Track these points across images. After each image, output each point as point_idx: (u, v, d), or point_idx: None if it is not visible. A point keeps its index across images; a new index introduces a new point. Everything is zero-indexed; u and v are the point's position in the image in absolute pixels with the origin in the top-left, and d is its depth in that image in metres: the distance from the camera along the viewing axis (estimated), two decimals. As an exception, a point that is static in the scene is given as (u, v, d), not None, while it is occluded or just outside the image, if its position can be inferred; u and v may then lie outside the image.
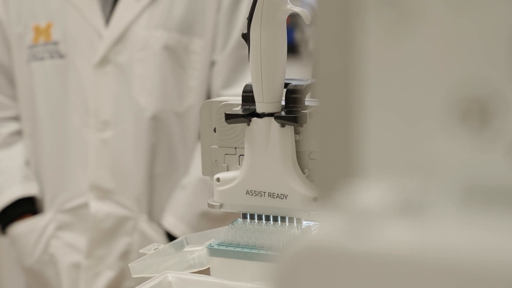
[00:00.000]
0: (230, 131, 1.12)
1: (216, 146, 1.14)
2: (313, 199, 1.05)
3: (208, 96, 1.94)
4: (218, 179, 1.11)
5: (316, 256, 0.50)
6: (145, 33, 1.89)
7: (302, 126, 1.06)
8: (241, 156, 1.12)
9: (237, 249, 1.06)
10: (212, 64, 1.93)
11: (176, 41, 1.89)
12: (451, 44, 0.51)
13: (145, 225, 1.93)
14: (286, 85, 1.08)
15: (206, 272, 1.06)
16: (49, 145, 1.98)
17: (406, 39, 0.52)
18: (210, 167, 1.15)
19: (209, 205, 1.12)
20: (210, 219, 1.92)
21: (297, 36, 2.74)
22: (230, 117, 1.08)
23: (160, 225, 1.95)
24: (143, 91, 1.89)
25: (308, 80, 1.09)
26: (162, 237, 1.94)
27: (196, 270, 1.05)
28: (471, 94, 0.51)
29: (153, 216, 1.96)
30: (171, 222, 1.93)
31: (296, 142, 1.08)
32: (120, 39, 1.90)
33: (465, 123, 0.51)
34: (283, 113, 1.06)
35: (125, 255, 1.96)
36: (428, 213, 0.49)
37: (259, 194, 1.08)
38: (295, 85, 1.07)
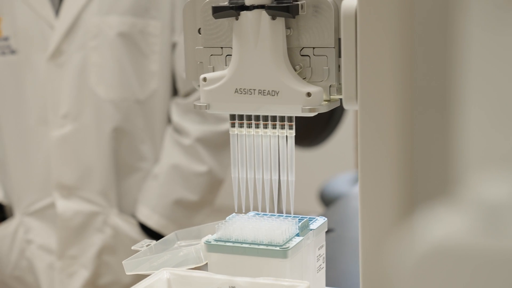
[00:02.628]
0: (216, 29, 1.07)
1: (201, 47, 1.08)
2: (307, 94, 1.01)
3: (173, 80, 1.88)
4: (204, 79, 1.05)
5: (446, 256, 0.48)
6: (97, 20, 1.81)
7: (294, 17, 1.01)
8: (228, 56, 1.07)
9: (235, 244, 1.02)
10: (174, 46, 1.86)
11: (131, 25, 1.81)
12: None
13: (116, 219, 1.87)
14: (275, -23, 1.03)
15: (203, 268, 1.03)
16: (9, 145, 1.89)
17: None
18: (195, 70, 1.10)
19: (195, 107, 1.06)
20: (184, 207, 1.87)
21: None
22: (218, 10, 1.02)
23: (132, 217, 1.89)
24: (101, 81, 1.82)
25: (298, -29, 1.04)
26: (136, 230, 1.88)
27: (193, 266, 1.03)
28: None
29: (124, 208, 1.89)
30: (145, 214, 1.87)
31: (288, 37, 1.03)
32: (71, 29, 1.82)
33: None
34: (272, 5, 1.01)
35: (99, 252, 1.89)
36: None
37: (249, 92, 1.03)
38: (286, -24, 1.02)
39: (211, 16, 1.05)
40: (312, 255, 1.06)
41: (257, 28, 1.01)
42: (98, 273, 1.90)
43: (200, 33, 1.09)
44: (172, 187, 1.86)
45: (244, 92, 1.03)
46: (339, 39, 1.02)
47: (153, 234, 1.87)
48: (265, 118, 1.05)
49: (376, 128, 0.90)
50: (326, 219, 1.09)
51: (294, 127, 1.04)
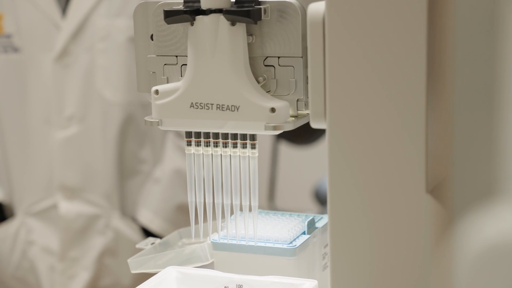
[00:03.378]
0: (170, 36, 0.95)
1: (154, 56, 0.97)
2: (270, 110, 0.89)
3: None
4: (156, 92, 0.94)
5: (503, 253, 0.48)
6: (105, 22, 1.79)
7: (256, 23, 0.89)
8: (183, 66, 0.95)
9: (241, 242, 0.98)
10: None
11: None
12: None
13: (118, 222, 1.85)
14: (236, -22, 0.91)
15: (209, 266, 1.01)
16: (11, 144, 1.86)
17: None
18: (147, 81, 0.98)
19: (146, 123, 0.94)
20: (187, 212, 1.82)
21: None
22: (170, 15, 0.91)
23: (134, 221, 1.87)
24: (108, 84, 1.80)
25: (260, -29, 0.92)
26: (138, 234, 1.86)
27: (199, 264, 1.01)
28: None
29: (126, 212, 1.87)
30: (147, 217, 1.85)
31: (249, 45, 0.91)
32: (79, 30, 1.79)
33: None
34: (233, 9, 0.89)
35: (100, 255, 1.87)
36: None
37: (206, 107, 0.91)
38: (247, -23, 0.91)
39: (164, 21, 0.94)
40: (318, 253, 1.02)
41: (215, 35, 0.90)
42: (99, 275, 1.88)
43: (152, 40, 0.97)
44: (175, 191, 1.84)
45: (201, 107, 0.92)
46: (307, 48, 0.91)
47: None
48: (225, 135, 0.94)
49: (346, 148, 0.79)
50: None
51: (256, 146, 0.93)
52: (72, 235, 1.85)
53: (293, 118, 0.92)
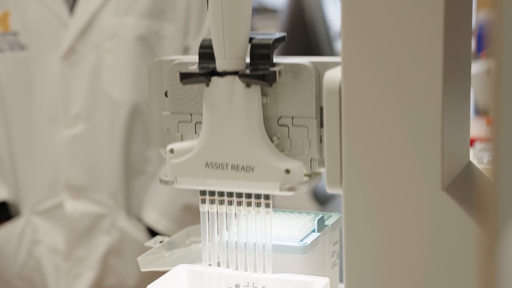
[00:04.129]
0: (185, 94, 0.96)
1: (168, 113, 0.98)
2: (285, 171, 0.90)
3: None
4: (171, 150, 0.95)
5: None
6: (113, 21, 1.78)
7: (271, 86, 0.90)
8: (197, 124, 0.96)
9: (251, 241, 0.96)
10: (186, 50, 1.83)
11: (147, 28, 1.77)
12: None
13: (123, 222, 1.84)
14: (250, 40, 0.92)
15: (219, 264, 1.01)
16: (17, 143, 1.85)
17: None
18: (161, 137, 0.99)
19: (161, 181, 0.95)
20: (193, 212, 1.84)
21: None
22: (186, 77, 0.92)
23: (139, 221, 1.86)
24: (115, 83, 1.79)
25: (275, 34, 0.94)
26: (143, 234, 1.85)
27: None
28: None
29: (132, 211, 1.86)
30: (153, 217, 1.84)
31: (263, 105, 0.93)
32: (87, 28, 1.78)
33: None
34: (248, 71, 0.91)
35: (105, 255, 1.86)
36: None
37: (221, 167, 0.93)
38: (262, 39, 0.92)
39: (179, 80, 0.95)
40: (328, 251, 1.03)
41: (230, 96, 0.91)
42: (103, 275, 1.87)
43: (167, 96, 0.98)
44: (181, 192, 1.82)
45: (216, 167, 0.93)
46: (321, 108, 0.92)
47: None
48: (239, 194, 0.95)
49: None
50: (340, 215, 1.06)
51: (271, 205, 0.94)
52: (78, 235, 1.84)
53: (307, 178, 0.93)
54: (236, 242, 0.96)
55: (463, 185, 0.82)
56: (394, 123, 0.78)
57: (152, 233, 1.85)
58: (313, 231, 1.02)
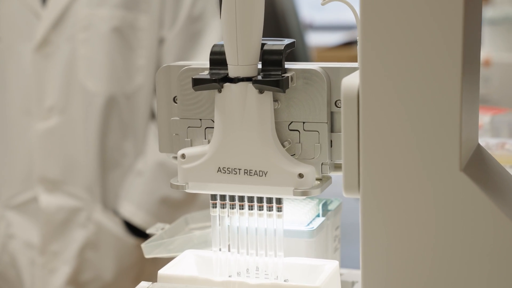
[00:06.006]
0: (195, 100, 0.97)
1: (177, 118, 0.98)
2: (298, 176, 0.91)
3: None
4: (183, 156, 0.95)
5: None
6: (87, 12, 1.75)
7: (284, 92, 0.91)
8: (207, 129, 0.97)
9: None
10: (161, 41, 1.81)
11: (121, 19, 1.76)
12: None
13: (100, 216, 1.82)
14: (261, 46, 0.93)
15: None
16: None
17: None
18: (169, 143, 1.00)
19: (172, 186, 0.96)
20: (171, 205, 1.82)
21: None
22: (198, 83, 0.92)
23: (116, 214, 1.84)
24: (90, 75, 1.76)
25: (285, 40, 0.95)
26: (120, 227, 1.84)
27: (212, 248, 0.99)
28: None
29: (108, 204, 1.84)
30: (129, 210, 1.82)
31: (275, 110, 0.94)
32: (60, 19, 1.75)
33: None
34: (260, 77, 0.92)
35: (81, 249, 1.84)
36: None
37: (234, 172, 0.93)
38: (273, 45, 0.93)
39: (189, 85, 0.96)
40: (331, 236, 1.05)
41: (243, 102, 0.92)
42: (80, 269, 1.85)
43: (175, 102, 0.98)
44: (158, 184, 1.81)
45: (228, 172, 0.94)
46: (332, 113, 0.93)
47: (137, 232, 1.83)
48: (250, 198, 0.96)
49: (380, 125, 0.80)
50: (341, 200, 1.08)
51: (283, 209, 0.95)
52: (53, 229, 1.82)
53: (319, 181, 0.94)
54: (246, 228, 0.96)
55: (478, 166, 0.85)
56: (413, 111, 0.79)
57: (129, 226, 1.84)
58: (318, 215, 1.03)
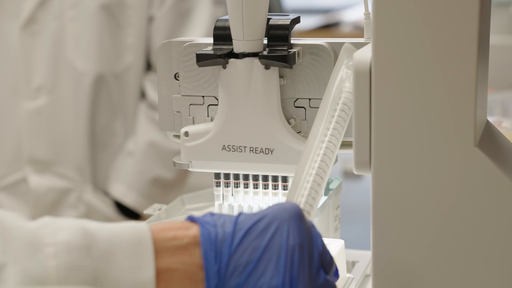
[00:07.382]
0: (197, 76, 0.95)
1: (179, 95, 0.96)
2: (305, 153, 0.90)
3: (148, 55, 1.80)
4: (186, 133, 0.93)
5: None
6: None
7: (291, 68, 0.90)
8: (210, 106, 0.95)
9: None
10: (150, 19, 1.78)
11: None
12: None
13: (90, 196, 1.80)
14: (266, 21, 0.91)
15: None
16: None
17: None
18: (171, 120, 0.97)
19: (175, 164, 0.94)
20: (162, 185, 1.80)
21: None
22: (202, 58, 0.90)
23: (106, 195, 1.81)
24: (78, 53, 1.73)
25: (290, 15, 0.93)
26: (110, 208, 1.81)
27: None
28: None
29: (98, 185, 1.82)
30: (120, 191, 1.80)
31: (280, 87, 0.92)
32: None
33: None
34: (265, 53, 0.90)
35: None
36: None
37: (239, 149, 0.92)
38: (279, 20, 0.91)
39: (191, 62, 0.93)
40: (332, 215, 1.04)
41: (249, 78, 0.90)
42: None
43: (177, 79, 0.96)
44: (149, 165, 1.79)
45: (233, 149, 0.92)
46: (338, 89, 0.92)
47: (128, 212, 1.82)
48: (255, 176, 0.94)
49: (393, 100, 0.79)
50: (341, 180, 1.07)
51: (289, 188, 0.93)
52: (43, 210, 1.79)
53: (325, 160, 0.92)
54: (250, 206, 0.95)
55: (490, 142, 0.84)
56: (428, 86, 0.78)
57: (120, 207, 1.82)
58: None
